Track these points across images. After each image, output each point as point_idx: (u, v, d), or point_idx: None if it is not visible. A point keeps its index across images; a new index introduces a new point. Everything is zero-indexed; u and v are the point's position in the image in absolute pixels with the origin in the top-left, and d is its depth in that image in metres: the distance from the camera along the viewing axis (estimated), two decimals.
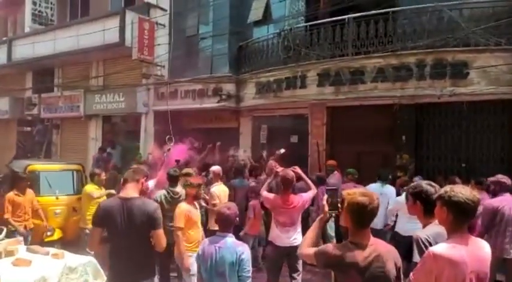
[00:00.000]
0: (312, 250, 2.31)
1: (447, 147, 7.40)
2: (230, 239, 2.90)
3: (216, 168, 6.31)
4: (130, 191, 3.12)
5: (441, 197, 2.08)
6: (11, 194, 5.90)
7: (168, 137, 9.33)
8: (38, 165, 7.34)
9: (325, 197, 2.54)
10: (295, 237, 4.45)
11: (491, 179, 4.77)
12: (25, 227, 5.91)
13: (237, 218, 3.05)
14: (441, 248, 1.98)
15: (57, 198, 6.97)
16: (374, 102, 7.59)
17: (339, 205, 2.37)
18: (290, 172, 4.46)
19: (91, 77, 13.33)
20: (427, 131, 7.62)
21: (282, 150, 7.81)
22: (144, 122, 11.66)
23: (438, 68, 6.70)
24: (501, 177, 4.71)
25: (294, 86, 8.28)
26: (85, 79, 13.34)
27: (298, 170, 4.61)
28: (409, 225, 5.79)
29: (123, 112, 12.15)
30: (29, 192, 6.17)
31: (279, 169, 4.74)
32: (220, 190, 5.89)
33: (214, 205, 5.63)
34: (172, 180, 5.17)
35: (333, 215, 2.58)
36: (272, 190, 5.13)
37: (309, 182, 4.73)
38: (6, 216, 5.73)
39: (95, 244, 3.14)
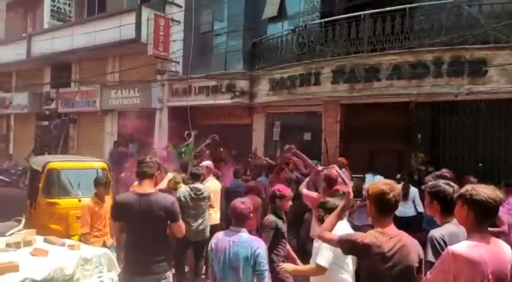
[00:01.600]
0: (335, 235, 2.42)
1: (464, 147, 7.26)
2: (245, 234, 2.89)
3: (208, 163, 6.24)
4: (147, 186, 3.15)
5: (462, 195, 2.05)
6: (90, 203, 5.00)
7: (187, 132, 9.43)
8: (58, 163, 6.42)
9: (352, 184, 2.62)
10: None
11: (437, 173, 5.28)
12: (104, 243, 4.91)
13: (251, 214, 3.00)
14: (461, 247, 1.95)
15: (79, 200, 5.92)
16: (389, 100, 7.48)
17: (364, 193, 2.53)
18: (334, 171, 4.48)
19: (107, 72, 13.52)
20: (444, 129, 7.48)
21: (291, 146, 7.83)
22: (159, 117, 11.77)
23: (456, 66, 6.57)
24: (445, 171, 5.20)
25: (308, 83, 8.23)
26: (101, 75, 13.54)
27: (336, 168, 4.64)
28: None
29: (138, 107, 12.27)
30: (107, 199, 5.20)
31: (320, 168, 4.82)
32: (213, 185, 5.82)
33: (209, 199, 5.62)
34: (195, 177, 5.25)
35: (357, 202, 2.72)
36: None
37: (347, 180, 4.70)
38: (84, 230, 4.86)
39: (116, 233, 3.41)
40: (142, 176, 3.17)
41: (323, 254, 3.00)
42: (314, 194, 4.59)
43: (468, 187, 2.06)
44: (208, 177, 5.93)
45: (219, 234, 3.00)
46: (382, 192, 2.23)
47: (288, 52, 8.94)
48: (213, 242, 2.97)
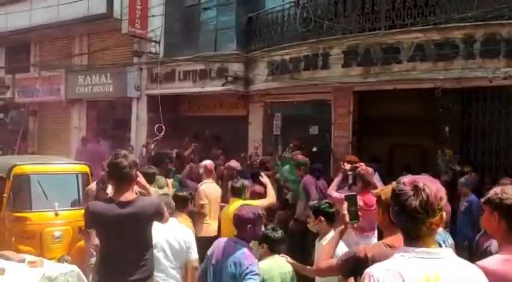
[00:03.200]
0: (333, 260, 2.42)
1: (500, 141, 7.29)
2: (242, 248, 2.98)
3: (208, 162, 6.28)
4: (126, 192, 3.14)
5: (490, 200, 2.06)
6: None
7: (157, 126, 9.40)
8: (28, 166, 6.00)
9: (345, 205, 2.66)
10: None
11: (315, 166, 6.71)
12: None
13: (252, 224, 3.07)
14: (491, 263, 1.96)
15: (56, 214, 5.71)
16: (411, 86, 7.50)
17: (359, 213, 2.60)
18: (370, 168, 4.60)
19: (73, 54, 13.42)
20: (476, 121, 7.51)
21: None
22: (136, 108, 11.73)
23: (490, 45, 6.57)
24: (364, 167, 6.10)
25: (315, 66, 8.22)
26: (66, 57, 13.44)
27: (364, 166, 4.90)
28: None
29: (111, 96, 12.22)
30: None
31: (347, 166, 5.01)
32: (210, 189, 5.90)
33: (201, 206, 5.68)
34: (147, 178, 5.25)
35: (354, 225, 2.73)
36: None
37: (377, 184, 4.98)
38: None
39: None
40: (118, 180, 3.15)
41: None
42: None
43: (497, 190, 2.07)
44: (207, 180, 5.96)
45: (219, 242, 3.17)
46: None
47: (291, 29, 8.91)
48: (211, 249, 3.16)
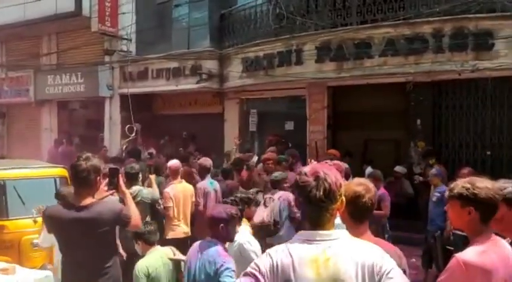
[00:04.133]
0: None
1: (469, 133, 7.51)
2: (214, 246, 2.96)
3: (173, 162, 6.03)
4: (85, 197, 3.02)
5: (463, 195, 2.09)
6: None
7: (128, 126, 9.27)
8: (2, 172, 5.85)
9: None
10: None
11: (289, 151, 6.83)
12: None
13: (225, 222, 3.02)
14: (471, 255, 2.01)
15: (35, 221, 5.49)
16: (383, 80, 7.63)
17: None
18: (345, 164, 4.60)
19: (42, 54, 13.14)
20: (446, 113, 7.71)
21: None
22: (109, 108, 11.58)
23: (458, 39, 6.75)
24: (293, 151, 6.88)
25: (288, 63, 8.28)
26: (35, 57, 13.16)
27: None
28: None
29: (83, 96, 12.03)
30: None
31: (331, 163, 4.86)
32: (177, 190, 5.75)
33: (166, 209, 5.60)
34: (130, 178, 5.20)
35: None
36: None
37: None
38: None
39: None
40: (76, 183, 3.06)
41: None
42: None
43: (465, 184, 2.11)
44: (174, 181, 5.87)
45: (195, 245, 3.12)
46: (356, 194, 2.22)
47: (264, 26, 8.95)
48: (188, 254, 3.13)
